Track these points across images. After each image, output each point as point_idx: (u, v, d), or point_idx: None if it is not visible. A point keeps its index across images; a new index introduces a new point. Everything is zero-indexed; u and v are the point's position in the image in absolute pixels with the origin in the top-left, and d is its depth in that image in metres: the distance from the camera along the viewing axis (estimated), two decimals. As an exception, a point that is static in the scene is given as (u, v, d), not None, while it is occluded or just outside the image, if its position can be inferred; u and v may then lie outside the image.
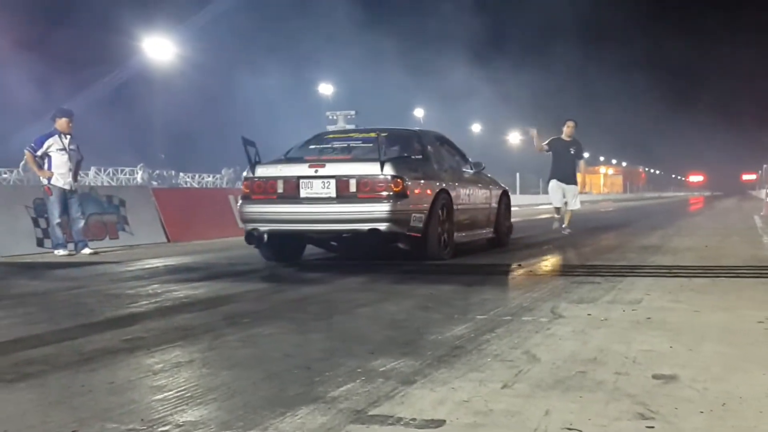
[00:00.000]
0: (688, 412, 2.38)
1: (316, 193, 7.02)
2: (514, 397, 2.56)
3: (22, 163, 18.94)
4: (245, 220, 7.28)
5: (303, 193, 7.06)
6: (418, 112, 64.63)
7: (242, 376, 2.89)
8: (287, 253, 7.76)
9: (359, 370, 2.95)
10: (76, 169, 9.28)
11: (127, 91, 38.35)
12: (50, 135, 9.08)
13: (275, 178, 7.18)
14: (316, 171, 7.05)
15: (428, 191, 7.35)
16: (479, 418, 2.33)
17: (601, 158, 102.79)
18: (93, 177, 29.00)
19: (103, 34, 37.42)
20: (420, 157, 7.78)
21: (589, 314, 4.19)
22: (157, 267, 7.33)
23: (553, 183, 12.03)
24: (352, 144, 8.00)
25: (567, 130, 11.94)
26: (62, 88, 31.52)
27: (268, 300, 4.99)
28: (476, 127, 75.14)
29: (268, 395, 2.61)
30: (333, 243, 8.02)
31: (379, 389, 2.66)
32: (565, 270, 6.62)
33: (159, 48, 33.52)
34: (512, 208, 10.27)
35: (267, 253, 7.60)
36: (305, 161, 7.32)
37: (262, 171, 7.25)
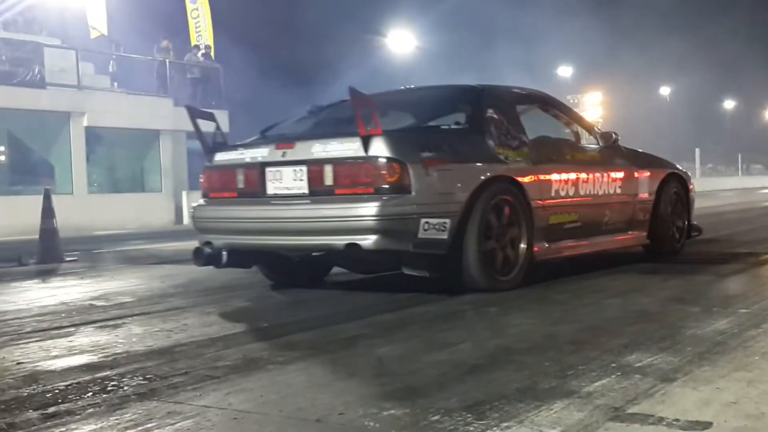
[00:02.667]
0: None
1: (287, 188, 4.81)
2: (789, 401, 2.37)
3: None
4: (199, 230, 5.27)
5: (270, 188, 4.89)
6: (664, 90, 61.39)
7: (492, 367, 2.92)
8: (302, 272, 5.57)
9: (613, 364, 2.88)
10: None
11: (370, 84, 39.95)
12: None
13: (234, 167, 5.11)
14: (283, 154, 4.83)
15: (462, 181, 4.72)
16: (750, 422, 2.18)
17: None
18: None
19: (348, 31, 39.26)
20: (465, 126, 5.17)
21: None
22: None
23: None
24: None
25: None
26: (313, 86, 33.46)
27: (513, 289, 4.98)
28: (728, 104, 70.04)
29: (521, 387, 2.61)
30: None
31: (636, 386, 2.57)
32: (841, 259, 5.98)
33: (401, 40, 34.54)
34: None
35: (269, 273, 5.65)
36: (275, 140, 5.10)
37: (221, 157, 5.24)
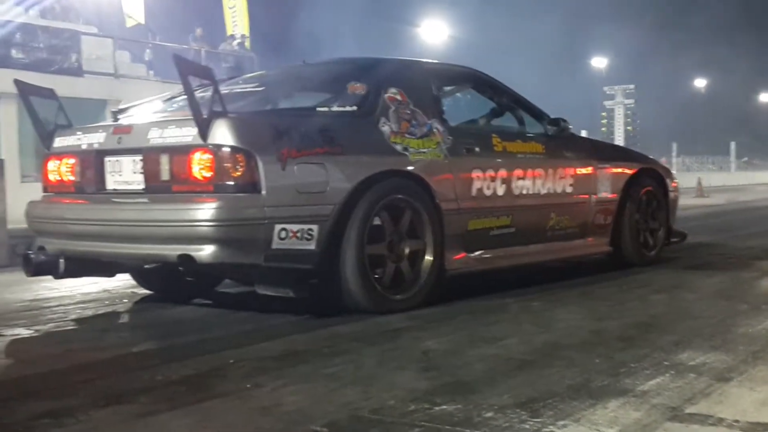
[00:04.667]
0: None
1: (127, 183, 3.99)
2: None
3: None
4: (34, 231, 4.46)
5: (110, 182, 4.07)
6: (699, 83, 60.72)
7: (541, 363, 2.89)
8: (183, 283, 4.71)
9: (666, 362, 2.83)
10: None
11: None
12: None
13: (70, 154, 4.29)
14: (119, 140, 4.01)
15: (337, 177, 3.84)
16: (814, 426, 2.13)
17: None
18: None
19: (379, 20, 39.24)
20: (351, 109, 4.18)
21: None
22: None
23: None
24: (238, 89, 4.83)
25: None
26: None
27: (556, 283, 4.92)
28: (765, 97, 69.02)
29: (574, 384, 2.58)
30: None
31: (692, 385, 2.53)
32: None
33: (434, 31, 34.39)
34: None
35: (142, 284, 4.87)
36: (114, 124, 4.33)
37: (59, 143, 4.38)
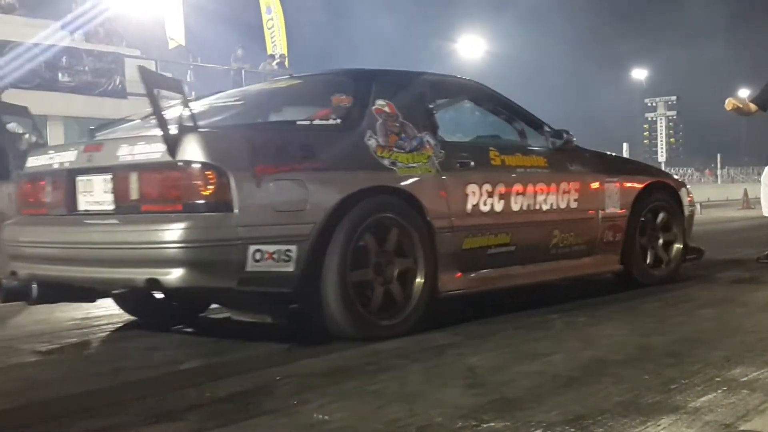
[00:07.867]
0: None
1: (98, 203, 3.78)
2: None
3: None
4: (7, 255, 4.17)
5: (82, 203, 3.87)
6: (743, 93, 59.88)
7: (588, 379, 2.86)
8: (167, 308, 4.53)
9: (718, 378, 2.78)
10: None
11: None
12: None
13: (43, 176, 4.09)
14: (89, 158, 3.81)
15: (317, 194, 3.60)
16: None
17: None
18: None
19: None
20: (334, 122, 3.98)
21: None
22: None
23: None
24: (218, 104, 4.62)
25: None
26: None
27: (599, 298, 4.87)
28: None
29: (623, 401, 2.55)
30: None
31: (745, 402, 2.48)
32: None
33: (471, 46, 34.40)
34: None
35: (126, 308, 4.63)
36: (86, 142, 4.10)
37: (32, 162, 4.22)
